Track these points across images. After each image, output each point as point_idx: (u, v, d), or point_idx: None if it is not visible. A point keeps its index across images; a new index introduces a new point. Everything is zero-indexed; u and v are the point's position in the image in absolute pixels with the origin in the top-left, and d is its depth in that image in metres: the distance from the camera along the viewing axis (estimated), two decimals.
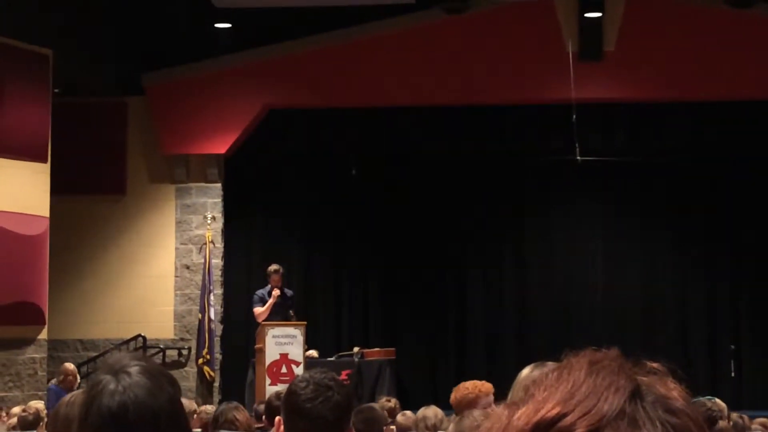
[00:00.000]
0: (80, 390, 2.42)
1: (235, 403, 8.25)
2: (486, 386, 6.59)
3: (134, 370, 2.28)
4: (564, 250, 17.80)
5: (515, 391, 3.71)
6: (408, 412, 8.64)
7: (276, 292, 14.59)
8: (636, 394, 1.05)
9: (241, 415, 7.80)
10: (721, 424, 6.75)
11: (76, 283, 16.54)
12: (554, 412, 1.04)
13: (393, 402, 9.61)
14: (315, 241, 17.81)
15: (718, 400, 7.73)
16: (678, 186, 17.38)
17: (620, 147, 16.73)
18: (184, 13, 15.22)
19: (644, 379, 1.07)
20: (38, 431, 8.59)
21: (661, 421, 1.03)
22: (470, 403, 6.14)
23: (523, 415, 1.05)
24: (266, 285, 14.82)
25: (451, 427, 4.67)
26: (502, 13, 15.96)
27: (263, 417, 8.22)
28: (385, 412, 8.13)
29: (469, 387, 6.46)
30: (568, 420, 1.03)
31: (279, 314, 14.51)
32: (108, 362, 2.35)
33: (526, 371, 3.75)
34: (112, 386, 2.25)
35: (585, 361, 1.09)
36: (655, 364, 1.11)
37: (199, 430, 8.23)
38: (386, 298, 17.85)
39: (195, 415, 9.52)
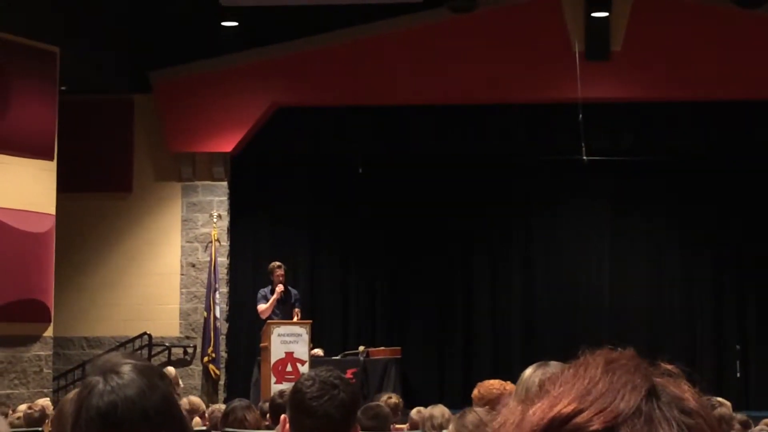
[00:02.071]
0: (75, 390, 2.39)
1: (246, 402, 8.25)
2: (511, 386, 6.57)
3: (124, 369, 2.26)
4: (571, 250, 17.78)
5: (519, 391, 3.72)
6: (423, 409, 8.62)
7: (279, 288, 14.59)
8: (652, 394, 1.05)
9: (252, 415, 7.79)
10: (722, 410, 6.76)
11: (82, 280, 16.55)
12: (570, 408, 1.03)
13: (395, 399, 9.59)
14: (321, 240, 17.80)
15: (725, 402, 7.74)
16: (685, 186, 17.35)
17: (627, 147, 16.70)
18: (191, 11, 15.23)
19: (659, 379, 1.07)
20: (44, 428, 8.60)
21: (677, 421, 1.03)
22: (492, 400, 6.13)
23: (539, 410, 1.05)
24: (269, 284, 14.84)
25: (453, 423, 4.67)
26: (509, 12, 15.95)
27: (267, 415, 8.22)
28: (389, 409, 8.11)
29: (494, 384, 6.44)
30: (584, 416, 1.02)
31: (283, 313, 14.53)
32: (98, 363, 2.33)
33: (529, 371, 3.76)
34: (101, 386, 2.23)
35: (601, 360, 1.09)
36: (669, 366, 1.10)
37: (204, 428, 8.23)
38: (392, 296, 17.84)
39: (206, 414, 9.53)
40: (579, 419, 1.02)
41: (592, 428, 1.02)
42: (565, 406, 1.04)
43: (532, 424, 1.04)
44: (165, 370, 13.47)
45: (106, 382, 2.23)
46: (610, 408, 1.03)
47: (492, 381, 6.55)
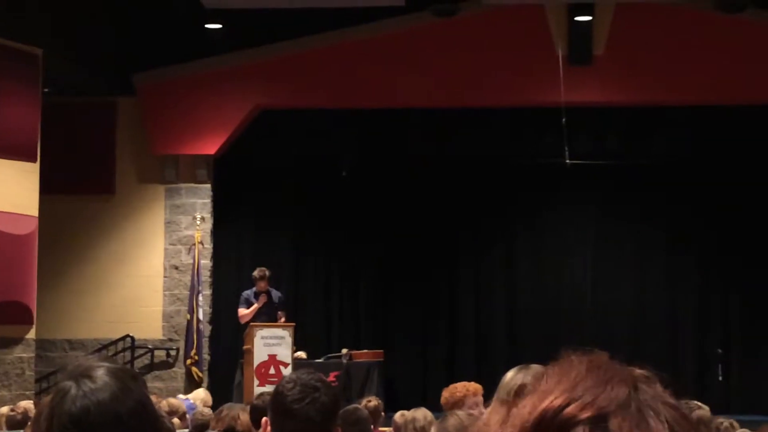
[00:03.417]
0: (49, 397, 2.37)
1: (242, 405, 8.26)
2: (474, 386, 6.62)
3: (97, 373, 2.25)
4: (554, 254, 17.80)
5: (500, 393, 3.73)
6: (405, 412, 8.64)
7: (263, 299, 14.62)
8: (637, 388, 1.07)
9: (245, 416, 7.79)
10: (700, 412, 6.79)
11: (65, 282, 16.50)
12: (560, 400, 1.05)
13: (375, 402, 9.59)
14: (305, 243, 17.79)
15: (700, 404, 7.76)
16: (668, 189, 17.38)
17: (609, 150, 16.75)
18: (174, 14, 15.21)
19: (641, 384, 1.09)
20: (26, 431, 8.58)
21: (663, 413, 1.05)
22: (457, 402, 6.17)
23: (528, 404, 1.07)
24: (254, 287, 14.85)
25: (435, 427, 4.69)
26: (492, 16, 15.96)
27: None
28: (369, 412, 8.13)
29: (458, 387, 6.51)
30: (575, 407, 1.04)
31: (266, 315, 14.53)
32: (70, 368, 2.31)
33: (510, 374, 3.77)
34: (73, 391, 2.22)
35: (584, 359, 1.11)
36: (642, 371, 1.12)
37: (186, 430, 8.22)
38: (376, 300, 17.83)
39: (187, 416, 9.52)
40: (570, 410, 1.04)
41: (583, 417, 1.03)
42: (554, 399, 1.05)
43: (523, 418, 1.06)
44: (197, 392, 13.06)
45: (79, 386, 2.22)
46: (600, 398, 1.04)
47: (457, 384, 6.62)
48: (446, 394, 6.43)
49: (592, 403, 1.04)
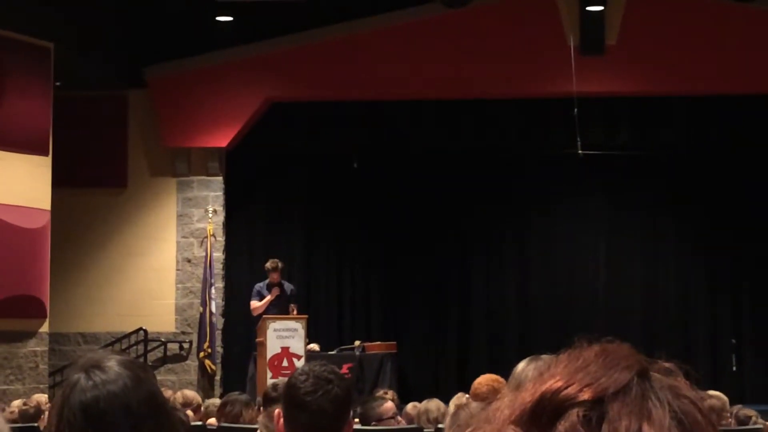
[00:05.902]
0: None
1: (248, 398, 8.23)
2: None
3: (108, 364, 2.26)
4: (566, 245, 17.78)
5: (511, 385, 3.72)
6: (418, 404, 8.65)
7: (275, 291, 14.62)
8: (644, 376, 1.06)
9: (249, 413, 7.77)
10: (712, 401, 6.78)
11: (78, 276, 16.53)
12: (560, 383, 1.05)
13: (390, 394, 9.59)
14: (317, 235, 17.80)
15: (720, 394, 7.75)
16: (680, 180, 17.36)
17: (622, 141, 16.70)
18: (185, 6, 15.21)
19: (655, 372, 1.08)
20: (39, 424, 8.60)
21: (669, 402, 1.04)
22: (488, 395, 6.08)
23: (530, 388, 1.07)
24: (266, 279, 14.86)
25: (448, 419, 4.68)
26: (504, 6, 15.93)
27: (261, 409, 8.21)
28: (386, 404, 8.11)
29: (502, 382, 6.34)
30: (573, 388, 1.04)
31: (278, 308, 14.53)
32: (80, 361, 2.33)
33: (521, 365, 3.77)
34: (83, 382, 2.23)
35: (597, 347, 1.11)
36: (667, 364, 1.11)
37: (199, 423, 8.23)
38: (388, 291, 17.84)
39: (202, 408, 9.53)
40: (568, 391, 1.04)
41: (580, 399, 1.03)
42: (554, 382, 1.06)
43: (524, 400, 1.06)
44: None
45: (89, 377, 2.23)
46: (600, 382, 1.04)
47: (500, 378, 6.47)
48: (492, 385, 6.20)
49: (590, 386, 1.04)
